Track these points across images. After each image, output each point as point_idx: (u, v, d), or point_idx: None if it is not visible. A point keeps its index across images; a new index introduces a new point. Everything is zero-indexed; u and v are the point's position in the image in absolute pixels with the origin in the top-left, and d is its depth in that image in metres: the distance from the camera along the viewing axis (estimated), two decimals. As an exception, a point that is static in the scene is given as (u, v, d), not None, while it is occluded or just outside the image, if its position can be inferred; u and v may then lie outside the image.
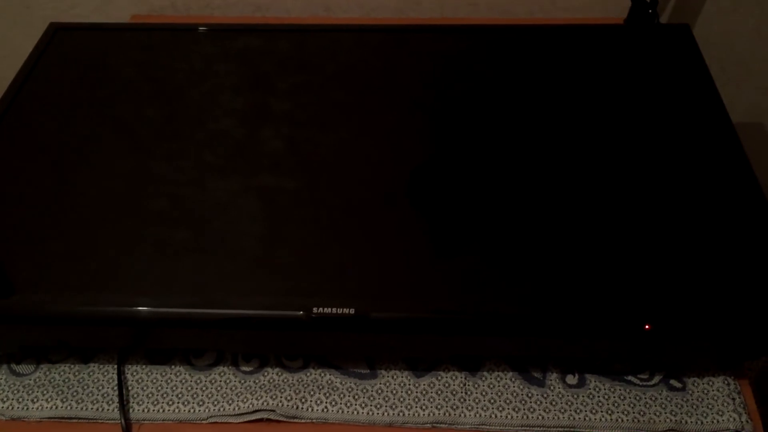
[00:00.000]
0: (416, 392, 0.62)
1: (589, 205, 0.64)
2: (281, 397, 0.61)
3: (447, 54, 0.81)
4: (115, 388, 0.62)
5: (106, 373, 0.64)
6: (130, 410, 0.61)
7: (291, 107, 0.74)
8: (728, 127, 0.70)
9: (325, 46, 0.83)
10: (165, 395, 0.62)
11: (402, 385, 0.62)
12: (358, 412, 0.61)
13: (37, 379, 0.63)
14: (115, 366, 0.64)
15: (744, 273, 0.59)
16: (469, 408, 0.60)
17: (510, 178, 0.66)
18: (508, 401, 0.61)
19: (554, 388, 0.61)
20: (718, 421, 0.59)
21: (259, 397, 0.61)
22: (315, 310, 0.57)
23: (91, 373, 0.64)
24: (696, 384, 0.61)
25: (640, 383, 0.61)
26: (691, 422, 0.59)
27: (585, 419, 0.59)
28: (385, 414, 0.60)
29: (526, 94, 0.75)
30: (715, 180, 0.65)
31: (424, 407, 0.61)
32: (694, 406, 0.60)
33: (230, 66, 0.80)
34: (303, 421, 0.61)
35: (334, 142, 0.71)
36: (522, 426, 0.60)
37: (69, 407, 0.61)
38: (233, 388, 0.62)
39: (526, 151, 0.69)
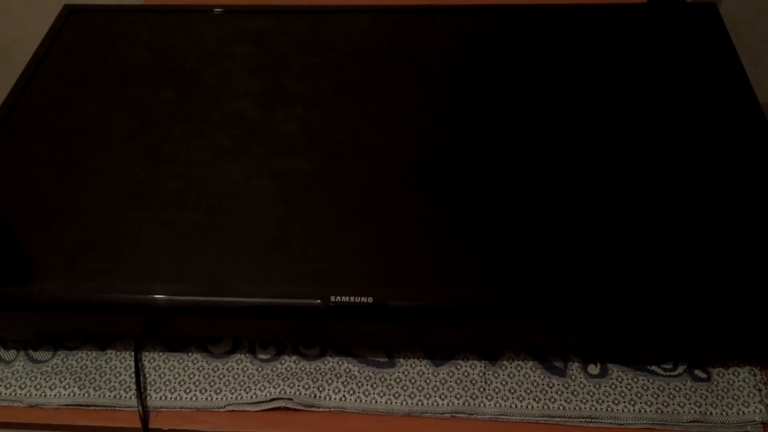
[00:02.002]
0: (435, 381, 0.61)
1: (612, 190, 0.63)
2: (299, 385, 0.60)
3: (464, 34, 0.80)
4: (133, 375, 0.62)
5: (123, 361, 0.64)
6: (148, 398, 0.61)
7: (306, 89, 0.73)
8: (756, 108, 0.68)
9: (340, 27, 0.82)
10: (182, 383, 0.62)
11: (421, 374, 0.61)
12: (376, 401, 0.60)
13: (55, 366, 0.63)
14: (132, 353, 0.64)
15: (771, 261, 0.57)
16: (489, 398, 0.60)
17: (530, 162, 0.65)
18: (528, 391, 0.60)
19: (576, 377, 0.60)
20: (743, 413, 0.57)
21: (276, 386, 0.60)
22: (333, 298, 0.56)
23: (108, 360, 0.64)
24: (721, 374, 0.60)
25: (664, 373, 0.60)
26: (716, 413, 0.58)
27: (607, 410, 0.58)
28: (404, 403, 0.60)
29: (547, 75, 0.73)
30: (741, 164, 0.64)
31: (443, 397, 0.60)
32: (720, 397, 0.58)
33: (245, 47, 0.79)
34: (321, 409, 0.60)
35: (351, 125, 0.70)
36: (543, 416, 0.59)
37: (86, 394, 0.61)
38: (250, 376, 0.62)
39: (547, 134, 0.68)
